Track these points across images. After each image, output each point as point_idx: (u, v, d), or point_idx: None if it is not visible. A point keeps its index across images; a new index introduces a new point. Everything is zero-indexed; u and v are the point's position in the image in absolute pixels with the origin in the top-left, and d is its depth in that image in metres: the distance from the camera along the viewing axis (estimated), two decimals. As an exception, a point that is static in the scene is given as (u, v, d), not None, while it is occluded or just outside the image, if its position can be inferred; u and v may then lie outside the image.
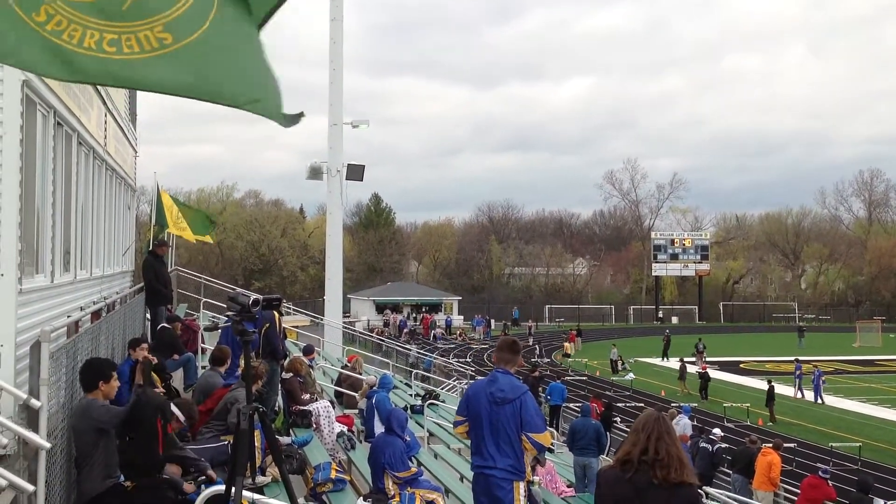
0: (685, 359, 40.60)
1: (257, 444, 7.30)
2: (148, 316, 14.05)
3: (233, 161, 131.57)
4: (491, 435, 6.26)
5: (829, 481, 15.84)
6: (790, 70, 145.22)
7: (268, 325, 12.05)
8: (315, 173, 29.58)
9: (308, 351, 15.49)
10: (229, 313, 4.54)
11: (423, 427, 14.78)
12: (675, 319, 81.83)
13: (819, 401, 34.81)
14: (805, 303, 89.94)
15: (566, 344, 55.57)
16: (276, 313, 12.33)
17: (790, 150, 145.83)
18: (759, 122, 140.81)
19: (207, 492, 5.04)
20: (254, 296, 4.70)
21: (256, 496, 4.52)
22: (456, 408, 6.99)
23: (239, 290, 6.05)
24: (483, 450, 6.29)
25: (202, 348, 13.95)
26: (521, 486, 6.32)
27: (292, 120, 3.44)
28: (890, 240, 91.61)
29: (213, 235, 24.02)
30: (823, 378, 35.69)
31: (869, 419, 31.78)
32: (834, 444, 25.96)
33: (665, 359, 47.76)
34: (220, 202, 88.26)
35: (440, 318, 69.35)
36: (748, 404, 32.44)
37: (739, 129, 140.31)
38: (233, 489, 3.97)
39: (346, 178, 29.14)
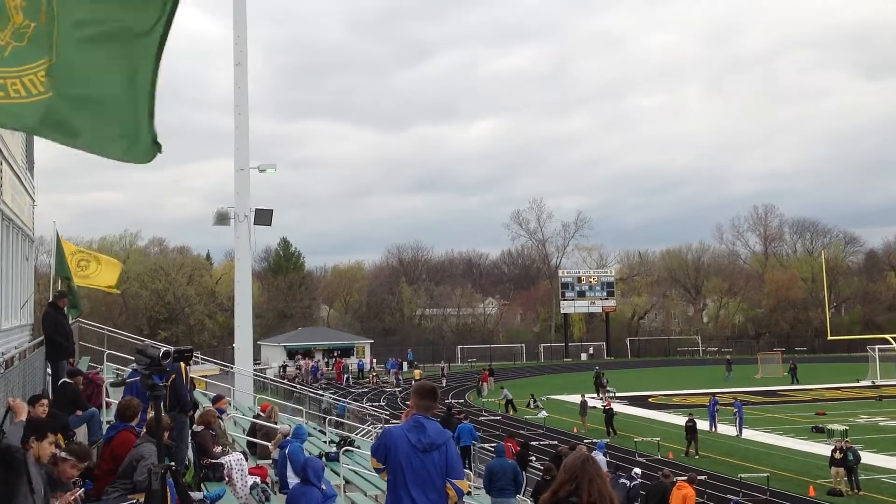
0: (586, 395, 41.16)
1: (168, 502, 7.01)
2: (49, 370, 13.49)
3: (137, 208, 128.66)
4: (416, 485, 6.03)
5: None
6: (689, 108, 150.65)
7: (174, 376, 11.68)
8: (222, 219, 29.00)
9: (217, 399, 15.08)
10: (137, 367, 4.32)
11: (338, 475, 14.52)
12: (584, 356, 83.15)
13: (739, 433, 35.33)
14: (707, 336, 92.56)
15: (482, 384, 55.70)
16: (182, 364, 12.00)
17: (689, 186, 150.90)
18: (659, 160, 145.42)
19: None
20: (164, 348, 4.48)
21: None
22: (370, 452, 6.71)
23: (147, 341, 5.80)
24: (403, 497, 6.03)
25: (107, 402, 13.43)
26: None
27: (156, 150, 3.48)
28: (786, 273, 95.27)
29: (119, 284, 23.32)
30: (742, 410, 36.26)
31: (775, 449, 32.62)
32: (743, 475, 26.54)
33: (599, 395, 48.09)
34: (123, 251, 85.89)
35: (352, 361, 68.77)
36: (658, 438, 32.98)
37: (641, 166, 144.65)
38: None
39: (255, 223, 28.67)
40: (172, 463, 3.90)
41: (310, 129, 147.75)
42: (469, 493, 17.90)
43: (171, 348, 4.40)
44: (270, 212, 29.24)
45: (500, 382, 58.92)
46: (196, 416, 12.25)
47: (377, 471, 6.35)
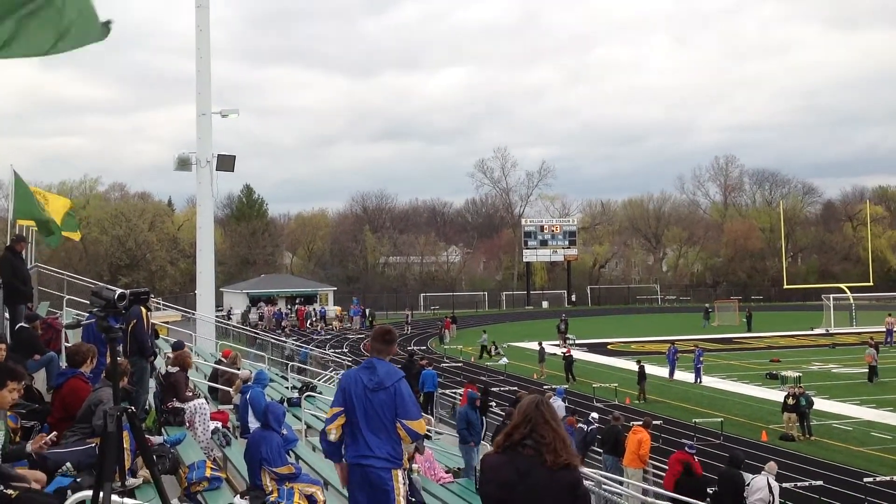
0: (545, 342, 41.74)
1: (126, 445, 7.07)
2: (7, 315, 13.37)
3: (98, 154, 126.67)
4: (366, 423, 6.18)
5: (696, 456, 16.55)
6: (656, 60, 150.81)
7: (135, 321, 11.68)
8: (183, 164, 28.68)
9: (178, 347, 15.08)
10: (93, 309, 4.31)
11: (300, 420, 14.66)
12: (545, 303, 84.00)
13: (698, 380, 35.96)
14: (666, 284, 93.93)
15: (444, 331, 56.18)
16: (143, 309, 11.96)
17: (655, 138, 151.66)
18: (625, 112, 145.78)
19: (74, 498, 4.84)
20: (119, 290, 4.47)
21: (127, 500, 4.35)
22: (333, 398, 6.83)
23: (102, 284, 5.75)
24: (359, 439, 6.19)
25: (65, 347, 13.38)
26: (400, 473, 6.30)
27: (105, 31, 3.47)
28: (744, 223, 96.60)
29: (79, 231, 23.01)
30: (702, 358, 36.90)
31: (729, 395, 33.39)
32: (697, 421, 27.20)
33: (565, 342, 48.56)
34: (82, 196, 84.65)
35: (315, 308, 68.83)
36: (616, 384, 33.63)
37: (607, 118, 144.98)
38: (101, 495, 3.82)
39: (217, 169, 28.40)
40: (129, 406, 3.92)
41: (277, 76, 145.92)
42: (429, 437, 18.20)
43: (127, 291, 4.39)
44: (233, 158, 28.97)
45: (470, 329, 59.56)
46: (172, 357, 12.29)
47: (328, 420, 6.37)
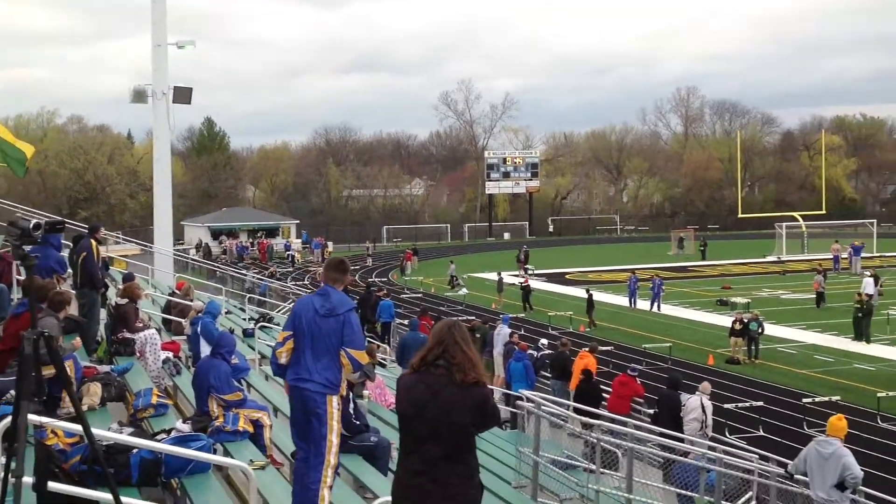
0: (503, 272, 42.38)
1: (70, 373, 7.36)
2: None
3: (56, 86, 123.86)
4: (311, 347, 6.35)
5: (638, 378, 17.16)
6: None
7: (85, 253, 11.88)
8: (139, 96, 28.38)
9: (128, 279, 15.29)
10: (7, 238, 4.46)
11: (253, 349, 15.00)
12: (507, 235, 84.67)
13: (656, 308, 36.65)
14: (626, 215, 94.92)
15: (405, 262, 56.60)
16: (93, 241, 12.16)
17: (622, 69, 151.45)
18: (593, 44, 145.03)
19: (4, 423, 5.04)
20: (35, 220, 4.63)
21: (33, 416, 4.55)
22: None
23: (20, 214, 5.86)
24: (301, 361, 6.36)
25: (17, 280, 13.52)
26: (335, 399, 6.44)
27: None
28: (704, 153, 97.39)
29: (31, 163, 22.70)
30: (663, 287, 37.64)
31: (681, 321, 34.29)
32: (646, 346, 28.02)
33: (526, 272, 49.16)
34: (40, 129, 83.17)
35: (278, 241, 68.83)
36: (571, 312, 34.38)
37: (575, 49, 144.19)
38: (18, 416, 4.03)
39: (173, 102, 28.16)
40: (45, 330, 4.17)
41: (244, 5, 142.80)
42: (383, 365, 18.69)
43: (42, 220, 4.59)
44: (189, 90, 28.70)
45: (432, 261, 60.02)
46: (121, 289, 12.49)
47: (279, 344, 6.53)
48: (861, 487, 11.02)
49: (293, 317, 6.53)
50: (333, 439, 6.40)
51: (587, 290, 35.15)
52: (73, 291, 11.56)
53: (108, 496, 4.34)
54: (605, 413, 14.17)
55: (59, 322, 7.43)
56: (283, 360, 6.47)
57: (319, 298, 6.48)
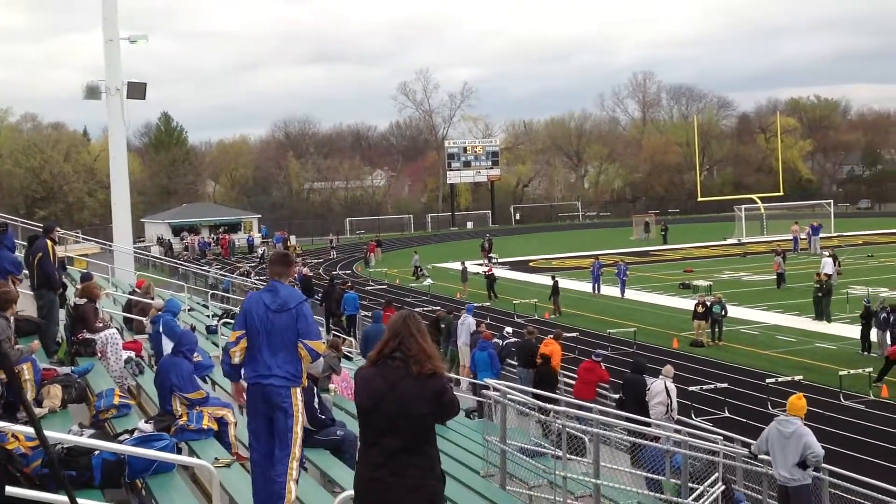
0: (467, 262, 42.45)
1: (30, 376, 7.24)
2: None
3: (9, 83, 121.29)
4: (267, 344, 6.36)
5: (603, 364, 17.25)
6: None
7: (41, 254, 11.68)
8: (92, 93, 27.98)
9: (86, 278, 15.05)
10: None
11: (217, 346, 14.86)
12: (470, 224, 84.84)
13: (623, 294, 36.74)
14: (588, 201, 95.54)
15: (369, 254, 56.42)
16: (49, 242, 11.95)
17: (580, 56, 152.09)
18: (553, 31, 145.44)
19: None
20: None
21: (9, 425, 4.51)
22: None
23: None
24: (258, 358, 6.37)
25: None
26: (299, 391, 6.49)
27: None
28: (662, 138, 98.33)
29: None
30: (627, 272, 37.82)
31: (644, 306, 34.62)
32: (611, 331, 28.23)
33: (489, 261, 49.14)
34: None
35: (240, 237, 68.29)
36: (535, 300, 34.51)
37: (534, 37, 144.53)
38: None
39: (128, 97, 27.79)
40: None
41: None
42: (349, 358, 18.62)
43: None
44: (144, 85, 28.34)
45: (396, 252, 59.89)
46: (79, 288, 12.29)
47: (231, 344, 6.52)
48: (825, 465, 11.21)
49: (244, 315, 6.53)
50: (298, 431, 6.45)
51: (553, 277, 35.29)
52: (22, 291, 11.36)
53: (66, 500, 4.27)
54: (563, 398, 14.24)
55: (8, 321, 7.27)
56: (236, 360, 6.49)
57: (268, 294, 6.49)
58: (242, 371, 6.60)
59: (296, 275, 30.20)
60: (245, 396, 6.62)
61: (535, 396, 11.91)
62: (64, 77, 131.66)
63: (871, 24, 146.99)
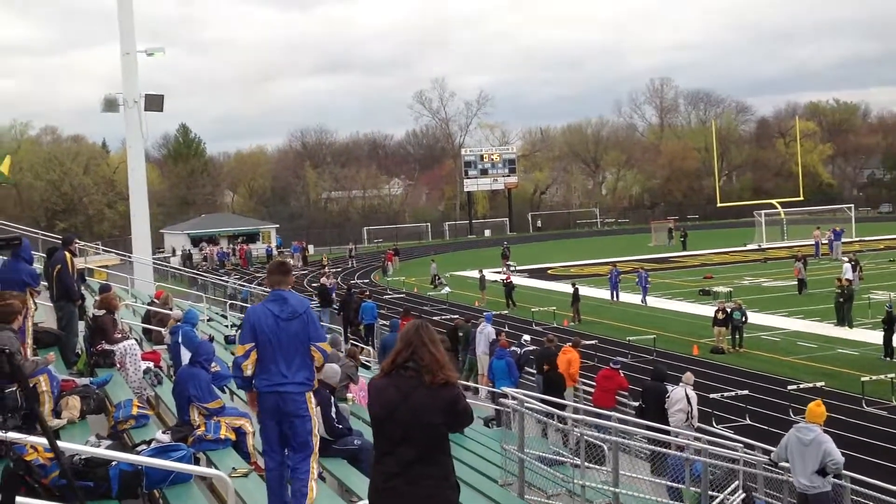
0: (485, 270, 42.37)
1: (46, 387, 7.27)
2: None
3: (29, 96, 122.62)
4: (281, 353, 6.43)
5: (622, 371, 17.16)
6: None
7: (59, 266, 11.75)
8: (110, 105, 28.27)
9: (104, 289, 15.15)
10: None
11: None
12: (487, 232, 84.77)
13: (643, 301, 36.30)
14: (606, 208, 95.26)
15: (387, 263, 56.46)
16: (67, 253, 12.03)
17: (594, 62, 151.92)
18: (564, 36, 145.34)
19: None
20: None
21: (23, 436, 4.52)
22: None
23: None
24: (272, 368, 6.43)
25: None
26: (311, 395, 6.65)
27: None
28: (680, 143, 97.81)
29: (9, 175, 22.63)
30: (649, 279, 37.50)
31: (664, 312, 34.38)
32: (631, 338, 28.05)
33: (507, 269, 49.03)
34: (13, 141, 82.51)
35: (259, 247, 68.54)
36: (554, 307, 34.38)
37: (546, 43, 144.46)
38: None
39: (145, 109, 28.06)
40: (5, 346, 4.11)
41: (209, 9, 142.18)
42: (367, 367, 18.62)
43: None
44: (161, 97, 28.59)
45: (414, 261, 59.88)
46: (98, 299, 12.36)
47: (241, 358, 6.53)
48: (847, 472, 11.08)
49: (251, 328, 6.57)
50: (316, 431, 6.69)
51: (573, 284, 35.11)
52: (41, 303, 11.44)
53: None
54: (569, 402, 14.15)
55: (15, 333, 7.30)
56: (248, 373, 6.53)
57: (275, 304, 6.55)
58: (254, 381, 6.64)
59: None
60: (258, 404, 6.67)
61: (543, 401, 11.88)
62: (83, 90, 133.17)
63: (890, 27, 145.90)
